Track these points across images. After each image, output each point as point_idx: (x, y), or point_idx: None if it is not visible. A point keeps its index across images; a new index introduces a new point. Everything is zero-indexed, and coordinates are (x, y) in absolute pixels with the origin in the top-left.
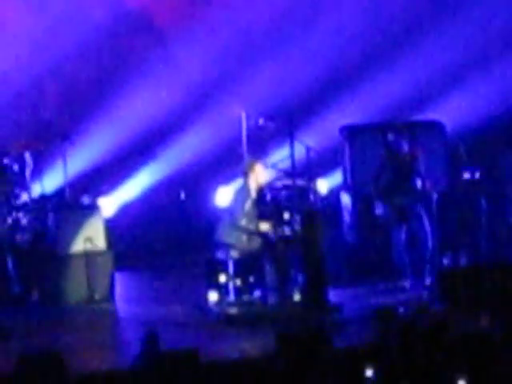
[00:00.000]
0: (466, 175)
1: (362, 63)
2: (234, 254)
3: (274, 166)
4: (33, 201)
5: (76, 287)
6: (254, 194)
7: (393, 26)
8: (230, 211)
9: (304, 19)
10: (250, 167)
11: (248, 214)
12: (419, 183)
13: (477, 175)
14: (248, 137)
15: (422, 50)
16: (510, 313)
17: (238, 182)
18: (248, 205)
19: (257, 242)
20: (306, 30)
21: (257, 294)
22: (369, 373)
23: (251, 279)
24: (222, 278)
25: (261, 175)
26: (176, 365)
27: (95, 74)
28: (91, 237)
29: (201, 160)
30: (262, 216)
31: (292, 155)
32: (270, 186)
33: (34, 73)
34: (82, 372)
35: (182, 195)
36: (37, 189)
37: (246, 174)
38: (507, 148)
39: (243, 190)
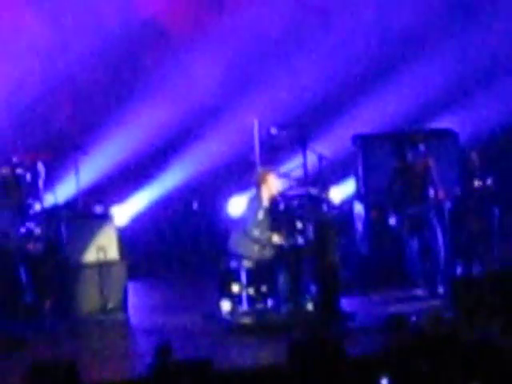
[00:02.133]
0: (479, 183)
1: (374, 72)
2: (247, 263)
3: (286, 175)
4: (45, 211)
5: (89, 297)
6: (266, 203)
7: (406, 36)
8: (243, 221)
9: (316, 28)
10: (263, 178)
11: (261, 224)
12: (432, 192)
13: (489, 183)
14: (261, 146)
15: (435, 58)
16: None
17: (250, 192)
18: (261, 215)
19: (269, 252)
20: (319, 39)
21: (269, 303)
22: (384, 382)
23: (264, 288)
24: (235, 288)
25: (273, 185)
26: (189, 375)
27: (107, 83)
28: (104, 246)
29: (213, 169)
30: (274, 226)
31: (305, 164)
32: (283, 195)
33: (47, 83)
34: (95, 382)
35: (195, 205)
36: (49, 199)
37: (258, 185)
38: None
39: (256, 200)
